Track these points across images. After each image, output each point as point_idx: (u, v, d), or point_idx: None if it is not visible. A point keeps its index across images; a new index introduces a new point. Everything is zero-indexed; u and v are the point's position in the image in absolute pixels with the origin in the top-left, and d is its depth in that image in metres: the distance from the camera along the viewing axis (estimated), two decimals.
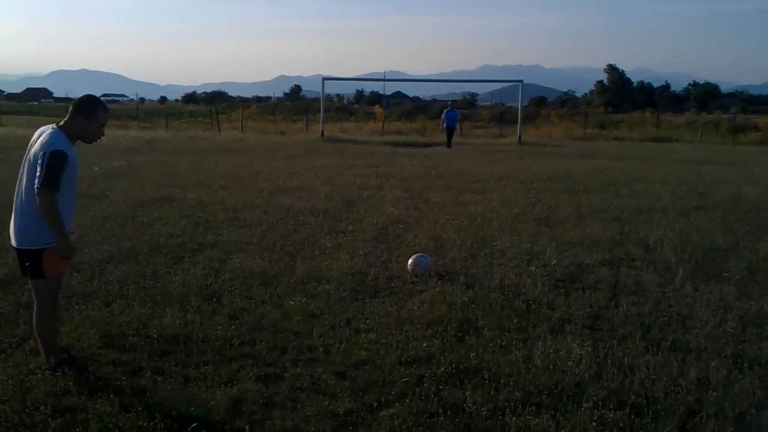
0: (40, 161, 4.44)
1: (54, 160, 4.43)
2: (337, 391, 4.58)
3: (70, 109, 4.71)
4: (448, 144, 30.02)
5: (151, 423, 4.04)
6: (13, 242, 4.71)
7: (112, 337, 5.51)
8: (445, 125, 31.12)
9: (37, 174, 4.41)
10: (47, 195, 4.41)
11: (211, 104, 77.94)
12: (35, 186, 4.41)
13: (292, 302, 6.49)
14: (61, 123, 4.70)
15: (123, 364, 4.99)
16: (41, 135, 4.68)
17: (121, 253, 8.33)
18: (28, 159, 4.63)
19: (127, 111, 59.22)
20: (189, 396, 4.46)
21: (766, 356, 5.32)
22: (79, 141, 4.78)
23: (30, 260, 4.64)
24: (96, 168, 17.77)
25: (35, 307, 4.80)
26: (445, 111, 31.90)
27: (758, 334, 5.83)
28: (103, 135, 4.94)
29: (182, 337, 5.49)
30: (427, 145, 30.49)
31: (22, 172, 4.65)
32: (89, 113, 4.70)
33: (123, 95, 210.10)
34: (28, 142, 4.75)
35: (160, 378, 4.73)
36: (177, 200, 12.48)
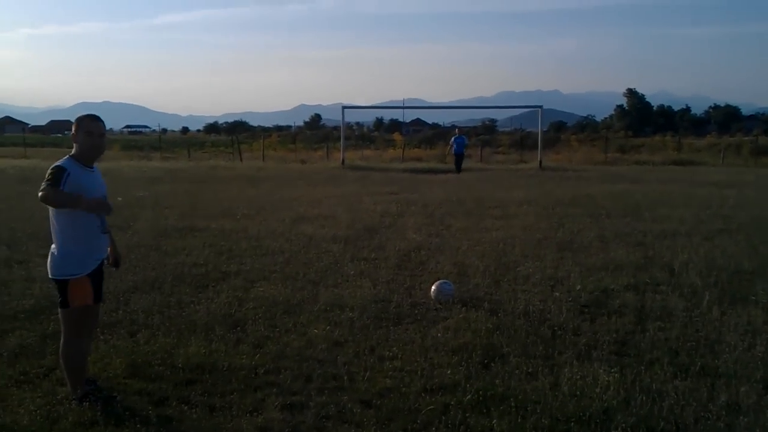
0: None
1: (51, 172, 4.53)
2: (363, 420, 4.56)
3: (71, 136, 4.81)
4: (458, 170, 30.14)
5: None
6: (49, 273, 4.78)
7: (137, 366, 5.53)
8: (453, 151, 31.39)
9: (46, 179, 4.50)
10: (44, 189, 4.45)
11: (233, 134, 78.61)
12: (44, 185, 4.46)
13: (315, 330, 6.49)
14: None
15: (149, 394, 5.01)
16: (94, 173, 4.89)
17: (145, 282, 8.38)
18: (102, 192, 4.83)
19: (150, 141, 59.94)
20: (215, 425, 4.47)
21: None
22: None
23: (58, 290, 4.73)
24: (120, 198, 17.93)
25: (62, 337, 4.85)
26: (453, 138, 32.15)
27: None
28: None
29: (207, 366, 5.50)
30: (447, 172, 30.52)
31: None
32: (83, 128, 4.76)
33: (145, 126, 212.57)
34: None
35: (186, 407, 4.74)
36: (200, 229, 12.55)
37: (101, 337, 6.24)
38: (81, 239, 4.68)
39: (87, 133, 4.76)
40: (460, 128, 38.72)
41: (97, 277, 4.83)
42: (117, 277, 8.55)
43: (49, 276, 4.77)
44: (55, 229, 4.71)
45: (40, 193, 4.45)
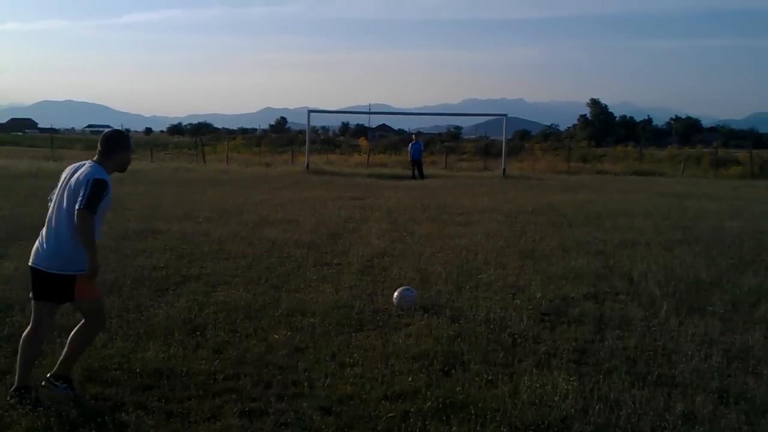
0: (83, 188, 4.70)
1: (96, 188, 4.71)
2: (322, 427, 4.54)
3: (106, 145, 4.98)
4: (419, 176, 30.44)
5: None
6: (37, 264, 4.86)
7: (94, 371, 5.44)
8: (410, 158, 31.80)
9: (79, 197, 4.67)
10: (86, 216, 4.66)
11: (197, 136, 77.95)
12: (76, 207, 4.66)
13: (276, 336, 6.45)
14: (97, 158, 4.97)
15: (105, 399, 4.93)
16: (78, 169, 4.94)
17: (104, 285, 8.22)
18: (65, 192, 4.88)
19: None
20: None
21: (751, 391, 5.32)
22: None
23: (61, 286, 4.83)
24: None
25: (83, 322, 5.05)
26: (410, 144, 32.43)
27: (743, 369, 5.84)
28: None
29: (165, 372, 5.43)
30: (412, 178, 30.58)
31: (58, 206, 4.89)
32: (127, 146, 5.11)
33: (108, 126, 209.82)
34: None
35: (142, 413, 4.67)
36: (161, 232, 12.41)
37: (57, 341, 6.10)
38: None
39: (128, 151, 5.12)
40: (416, 134, 38.88)
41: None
42: None
43: (45, 269, 4.80)
44: (67, 230, 4.78)
45: (80, 211, 4.64)
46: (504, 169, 34.23)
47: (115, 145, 5.01)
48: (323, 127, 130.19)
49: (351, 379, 5.40)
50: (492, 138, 57.97)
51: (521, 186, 26.37)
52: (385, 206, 17.78)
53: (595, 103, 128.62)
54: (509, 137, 46.88)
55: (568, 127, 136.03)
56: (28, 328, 4.99)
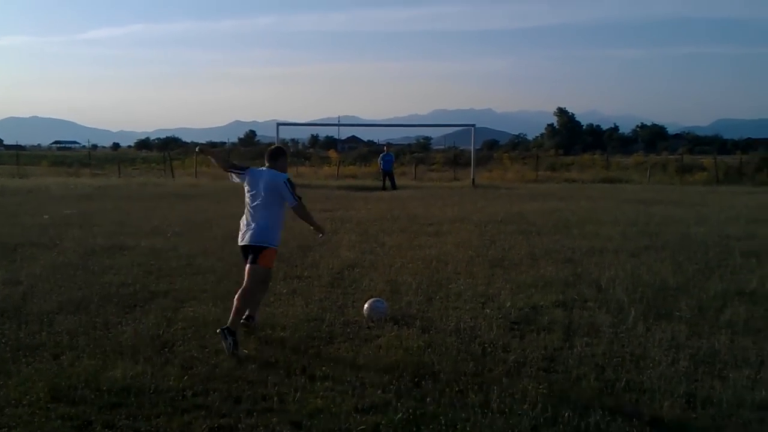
0: (283, 187, 6.87)
1: (292, 183, 6.97)
2: None
3: (276, 155, 7.13)
4: (391, 187, 30.52)
5: None
6: (247, 242, 6.89)
7: (61, 390, 5.36)
8: (381, 168, 31.85)
9: (287, 195, 6.88)
10: (301, 205, 7.01)
11: (165, 150, 77.38)
12: (291, 204, 6.93)
13: (246, 350, 6.42)
14: (269, 165, 7.08)
15: (72, 418, 4.87)
16: (263, 173, 7.02)
17: (71, 303, 8.16)
18: (263, 189, 6.88)
19: (79, 158, 58.58)
20: None
21: (718, 395, 5.39)
22: None
23: (254, 253, 6.83)
24: (46, 216, 17.48)
25: (244, 285, 6.79)
26: (381, 155, 32.44)
27: (710, 373, 5.91)
28: None
29: (133, 389, 5.37)
30: (383, 189, 30.62)
31: (257, 200, 6.91)
32: (287, 155, 7.31)
33: (75, 142, 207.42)
34: None
35: None
36: (129, 248, 12.30)
37: (23, 360, 6.06)
38: (281, 226, 7.07)
39: (287, 158, 7.28)
40: (387, 145, 38.96)
41: None
42: (41, 298, 8.36)
43: (250, 243, 6.83)
44: (273, 214, 6.91)
45: (298, 203, 6.94)
46: (473, 179, 34.41)
47: (284, 154, 7.23)
48: (293, 140, 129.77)
49: (321, 393, 5.38)
50: (461, 148, 58.18)
51: (490, 195, 26.51)
52: (356, 218, 17.79)
53: (562, 112, 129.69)
54: (478, 147, 47.15)
55: (536, 137, 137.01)
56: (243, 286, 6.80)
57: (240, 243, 6.99)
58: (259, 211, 6.87)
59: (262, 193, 6.85)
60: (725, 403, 5.23)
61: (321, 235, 7.66)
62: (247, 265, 6.86)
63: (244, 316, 6.91)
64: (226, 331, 6.34)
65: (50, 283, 9.20)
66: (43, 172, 43.92)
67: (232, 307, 6.63)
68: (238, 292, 6.74)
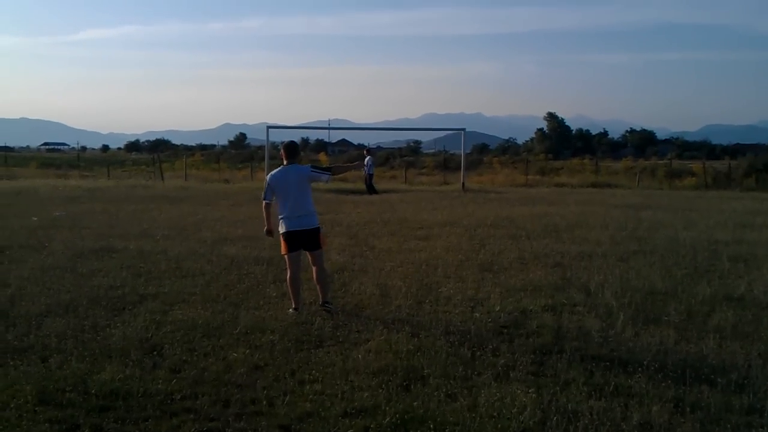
0: (312, 172, 8.23)
1: (315, 167, 8.50)
2: None
3: (294, 151, 8.30)
4: (373, 191, 30.32)
5: None
6: (306, 227, 8.10)
7: (48, 393, 5.35)
8: (366, 172, 31.53)
9: (321, 176, 8.32)
10: (334, 172, 8.82)
11: (155, 152, 77.14)
12: (326, 179, 8.46)
13: (235, 354, 6.40)
14: (289, 161, 8.18)
15: (60, 422, 4.86)
16: (288, 171, 8.11)
17: (59, 305, 8.12)
18: (295, 184, 8.03)
19: (68, 160, 58.37)
20: None
21: (706, 399, 5.41)
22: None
23: (317, 237, 8.21)
24: (35, 218, 17.40)
25: (319, 265, 8.21)
26: (367, 159, 32.09)
27: (698, 377, 5.93)
28: None
29: (122, 392, 5.36)
30: (372, 192, 30.60)
31: (293, 195, 8.03)
32: (299, 150, 8.50)
33: (64, 144, 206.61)
34: None
35: None
36: (118, 250, 12.25)
37: (11, 363, 6.03)
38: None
39: (300, 153, 8.61)
40: (368, 150, 38.82)
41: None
42: (29, 300, 8.33)
43: (311, 227, 8.17)
44: (310, 197, 8.20)
45: (330, 177, 8.51)
46: (463, 183, 34.43)
47: (299, 150, 8.44)
48: (282, 143, 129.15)
49: (310, 396, 5.38)
50: (451, 152, 58.25)
51: (480, 199, 26.53)
52: (345, 221, 17.76)
53: (552, 117, 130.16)
54: (468, 151, 47.19)
55: (526, 141, 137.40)
56: (320, 265, 8.21)
57: (292, 229, 8.05)
58: (301, 198, 8.04)
59: (296, 187, 8.02)
60: (713, 407, 5.25)
61: (356, 162, 9.26)
62: (312, 253, 8.23)
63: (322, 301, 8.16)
64: (327, 305, 8.03)
65: (39, 286, 9.16)
66: (31, 174, 43.74)
67: (318, 291, 8.22)
68: (318, 276, 8.18)
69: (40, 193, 27.48)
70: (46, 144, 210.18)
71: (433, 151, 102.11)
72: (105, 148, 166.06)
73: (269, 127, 35.43)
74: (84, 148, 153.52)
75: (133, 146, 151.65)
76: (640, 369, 6.09)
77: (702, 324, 7.72)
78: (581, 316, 8.02)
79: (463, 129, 36.42)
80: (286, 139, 8.78)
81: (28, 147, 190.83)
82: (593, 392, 5.53)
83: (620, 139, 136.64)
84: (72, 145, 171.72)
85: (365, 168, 31.48)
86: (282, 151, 8.34)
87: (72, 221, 17.03)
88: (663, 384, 5.75)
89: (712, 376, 5.95)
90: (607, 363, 6.28)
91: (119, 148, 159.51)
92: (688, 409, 5.20)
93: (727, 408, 5.26)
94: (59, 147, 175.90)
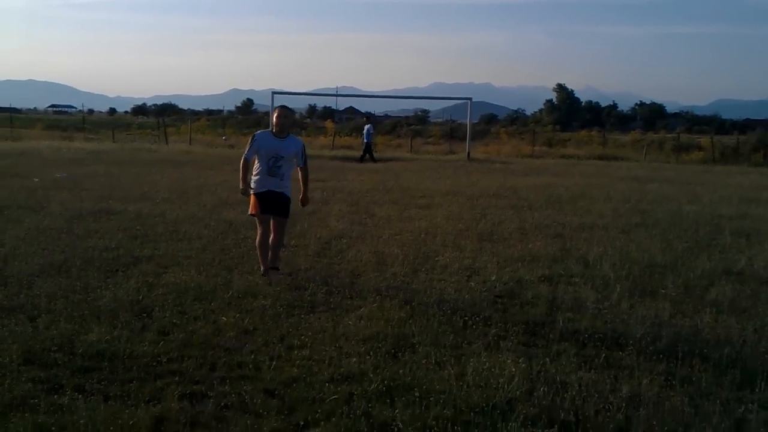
0: (302, 153, 8.17)
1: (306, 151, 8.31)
2: (265, 410, 4.46)
3: (292, 122, 8.67)
4: (371, 159, 30.15)
5: None
6: (279, 190, 7.96)
7: (35, 353, 5.30)
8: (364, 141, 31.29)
9: (301, 160, 8.16)
10: (306, 170, 8.40)
11: (161, 116, 76.95)
12: (302, 166, 8.20)
13: (225, 318, 6.35)
14: (284, 132, 8.03)
15: (43, 381, 4.80)
16: (284, 141, 8.00)
17: (52, 266, 8.08)
18: (284, 155, 7.96)
19: (74, 122, 58.22)
20: (109, 414, 4.29)
21: (697, 374, 5.34)
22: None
23: (287, 205, 8.07)
24: (36, 179, 17.37)
25: (279, 233, 7.99)
26: (366, 126, 31.94)
27: (690, 351, 5.85)
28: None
29: (108, 354, 5.32)
30: (378, 161, 30.48)
31: (275, 163, 7.90)
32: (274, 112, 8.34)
33: (71, 106, 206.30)
34: None
35: (80, 396, 4.56)
36: (116, 213, 12.21)
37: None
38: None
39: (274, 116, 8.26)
40: (367, 117, 38.55)
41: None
42: (22, 260, 8.29)
43: (284, 192, 8.04)
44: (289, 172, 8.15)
45: (306, 167, 8.43)
46: (468, 153, 34.29)
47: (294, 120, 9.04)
48: (280, 107, 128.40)
49: (298, 362, 5.33)
50: (458, 121, 57.94)
51: (485, 169, 26.42)
52: (347, 188, 17.68)
53: (561, 88, 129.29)
54: (476, 121, 46.94)
55: (535, 112, 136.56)
56: (278, 233, 7.97)
57: (265, 189, 7.92)
58: (285, 168, 7.99)
59: (285, 159, 7.94)
60: (704, 382, 5.18)
61: (304, 205, 8.62)
62: (277, 219, 7.97)
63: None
64: (270, 270, 7.93)
65: (33, 246, 9.12)
66: (36, 136, 43.67)
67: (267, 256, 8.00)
68: (274, 242, 7.96)
69: (44, 154, 27.46)
70: (53, 106, 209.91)
71: (440, 120, 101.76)
72: (112, 111, 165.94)
73: (275, 92, 35.27)
74: (91, 111, 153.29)
75: (140, 110, 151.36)
76: (632, 342, 6.03)
77: (699, 298, 7.64)
78: (577, 287, 7.94)
79: (470, 98, 36.17)
80: (294, 106, 8.64)
81: (35, 109, 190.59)
82: (583, 364, 5.47)
83: (629, 112, 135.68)
84: (79, 108, 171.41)
85: (363, 135, 31.21)
86: (277, 117, 8.07)
87: (73, 183, 16.99)
88: (654, 357, 5.67)
89: (705, 351, 5.88)
90: (600, 335, 6.21)
91: (126, 112, 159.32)
92: (678, 383, 5.14)
93: (717, 383, 5.19)
94: (66, 109, 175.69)
